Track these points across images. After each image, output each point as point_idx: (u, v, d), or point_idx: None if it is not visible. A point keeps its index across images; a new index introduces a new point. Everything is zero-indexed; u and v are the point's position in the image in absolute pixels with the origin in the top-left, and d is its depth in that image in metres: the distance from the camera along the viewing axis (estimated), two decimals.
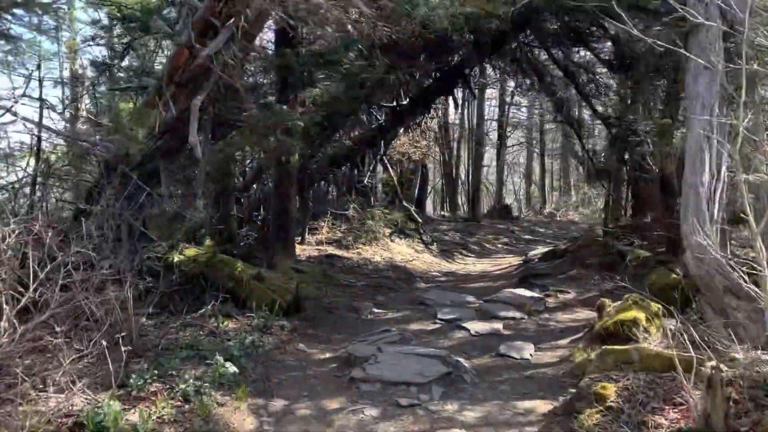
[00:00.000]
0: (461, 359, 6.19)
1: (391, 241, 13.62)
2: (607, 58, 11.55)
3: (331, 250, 11.92)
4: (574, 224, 27.37)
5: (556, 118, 15.52)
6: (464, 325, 7.73)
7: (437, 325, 7.97)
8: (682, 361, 4.10)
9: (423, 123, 15.09)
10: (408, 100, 13.27)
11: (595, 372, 4.89)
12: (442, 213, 24.53)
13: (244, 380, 5.28)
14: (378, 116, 13.59)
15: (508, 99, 27.19)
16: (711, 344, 4.78)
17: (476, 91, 18.91)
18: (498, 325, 7.78)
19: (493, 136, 27.76)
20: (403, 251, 13.40)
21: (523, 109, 30.53)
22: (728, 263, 5.89)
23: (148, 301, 6.23)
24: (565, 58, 12.33)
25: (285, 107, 7.95)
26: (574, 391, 4.96)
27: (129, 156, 7.29)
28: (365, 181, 14.16)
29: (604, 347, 5.27)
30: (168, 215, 7.79)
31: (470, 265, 14.02)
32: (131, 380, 4.61)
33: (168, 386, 4.75)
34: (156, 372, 4.87)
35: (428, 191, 22.48)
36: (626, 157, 12.23)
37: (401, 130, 14.27)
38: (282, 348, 6.71)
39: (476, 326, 7.66)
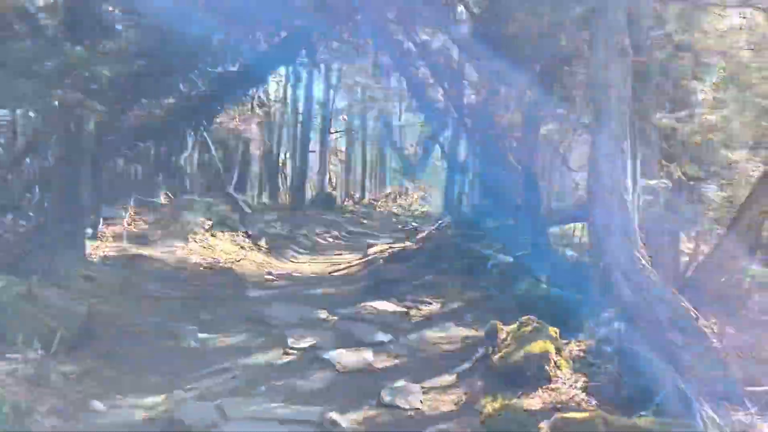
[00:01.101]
0: (339, 418, 4.45)
1: (212, 236, 11.29)
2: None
3: (135, 249, 9.31)
4: (395, 216, 27.04)
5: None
6: (325, 356, 5.97)
7: (290, 357, 6.11)
8: None
9: (257, 96, 12.86)
10: (239, 65, 11.03)
11: None
12: (262, 201, 22.30)
13: None
14: (201, 83, 11.12)
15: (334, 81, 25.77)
16: None
17: (319, 67, 16.99)
18: (367, 354, 6.14)
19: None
20: (227, 249, 11.17)
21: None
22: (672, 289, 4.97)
23: None
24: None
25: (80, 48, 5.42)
26: None
27: None
28: (180, 162, 11.56)
29: (558, 417, 3.87)
30: None
31: (306, 264, 12.24)
32: None
33: None
34: None
35: (248, 176, 20.09)
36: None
37: (229, 103, 11.91)
38: (62, 414, 4.36)
39: (341, 358, 5.94)
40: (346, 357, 5.98)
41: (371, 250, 13.06)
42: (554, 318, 5.93)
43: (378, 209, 28.62)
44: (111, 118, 9.56)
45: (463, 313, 7.96)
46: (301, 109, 23.98)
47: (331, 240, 16.18)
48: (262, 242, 12.53)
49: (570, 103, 8.33)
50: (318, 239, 15.71)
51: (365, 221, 22.41)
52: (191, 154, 11.87)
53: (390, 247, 12.97)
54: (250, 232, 12.72)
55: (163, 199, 10.68)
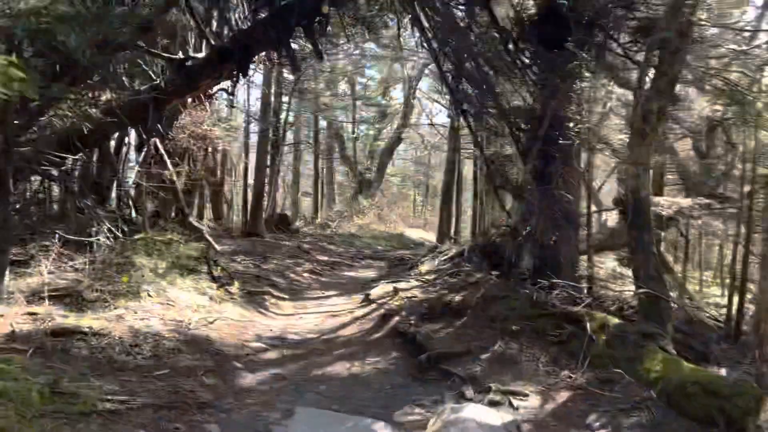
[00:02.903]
0: None
1: (169, 284, 8.15)
2: None
3: (61, 316, 6.10)
4: (357, 238, 24.19)
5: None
6: None
7: None
8: None
9: (235, 92, 9.77)
10: (209, 49, 8.04)
11: None
12: (211, 224, 18.94)
13: None
14: (154, 73, 8.02)
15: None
16: None
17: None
18: None
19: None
20: (192, 301, 8.03)
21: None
22: None
23: None
24: None
25: None
26: None
27: None
28: (127, 183, 8.35)
29: None
30: None
31: (294, 317, 9.24)
32: None
33: None
34: None
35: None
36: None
37: (189, 100, 8.83)
38: None
39: None
40: None
41: (374, 293, 10.25)
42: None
43: (334, 230, 25.69)
44: (22, 121, 6.45)
45: (580, 412, 5.35)
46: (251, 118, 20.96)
47: (307, 275, 13.20)
48: (234, 287, 9.45)
49: None
50: (292, 275, 12.70)
51: (330, 246, 19.46)
52: (142, 173, 8.63)
53: (395, 290, 10.20)
54: (215, 274, 9.62)
55: (104, 238, 7.42)
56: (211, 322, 7.54)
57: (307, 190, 35.12)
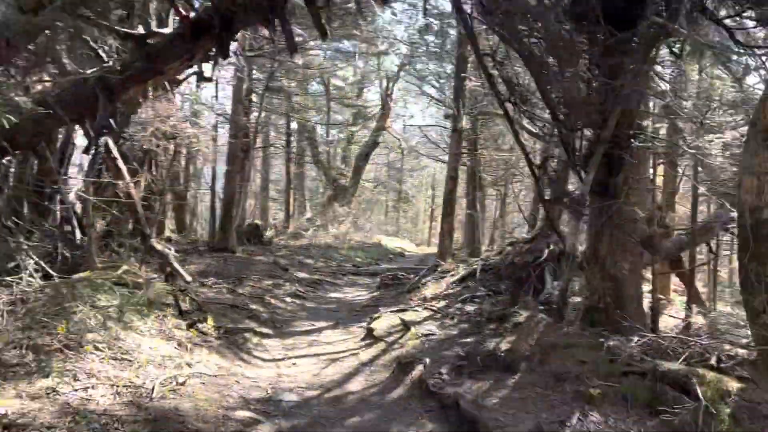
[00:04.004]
0: None
1: (125, 329, 6.23)
2: None
3: None
4: (334, 250, 22.31)
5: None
6: None
7: None
8: None
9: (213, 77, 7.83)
10: (179, 23, 6.16)
11: None
12: (174, 236, 16.84)
13: None
14: (106, 53, 6.10)
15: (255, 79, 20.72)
16: None
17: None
18: None
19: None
20: (155, 352, 6.12)
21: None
22: None
23: None
24: None
25: None
26: None
27: None
28: (69, 198, 6.37)
29: None
30: None
31: (285, 363, 7.36)
32: None
33: None
34: None
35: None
36: None
37: (150, 87, 6.89)
38: None
39: None
40: None
41: (378, 327, 8.50)
42: None
43: (308, 240, 23.76)
44: None
45: None
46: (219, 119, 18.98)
47: (290, 300, 11.32)
48: (208, 324, 7.55)
49: None
50: (274, 302, 10.80)
51: (308, 260, 17.59)
52: (88, 184, 6.63)
53: (404, 324, 8.47)
54: (184, 308, 7.71)
55: (29, 276, 5.44)
56: (182, 384, 5.65)
57: (273, 195, 33.05)
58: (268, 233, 22.95)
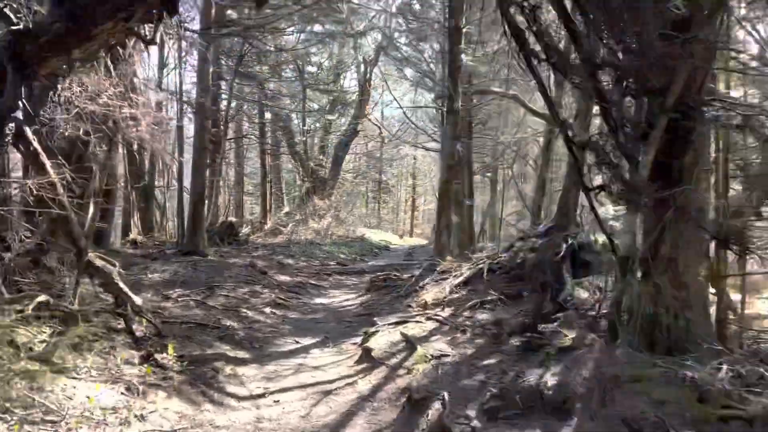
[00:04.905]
0: None
1: (55, 373, 4.75)
2: None
3: None
4: (317, 246, 20.84)
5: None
6: None
7: None
8: None
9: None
10: None
11: None
12: (135, 239, 15.20)
13: None
14: (14, 11, 4.58)
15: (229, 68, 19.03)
16: None
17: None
18: None
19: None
20: (93, 407, 4.63)
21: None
22: None
23: None
24: None
25: None
26: None
27: None
28: None
29: None
30: None
31: (265, 401, 5.87)
32: None
33: None
34: None
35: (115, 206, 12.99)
36: None
37: (78, 57, 5.34)
38: None
39: None
40: None
41: (376, 346, 7.11)
42: None
43: (288, 236, 22.26)
44: None
45: None
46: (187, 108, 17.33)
47: (268, 311, 9.84)
48: (169, 354, 6.09)
49: None
50: (250, 313, 9.33)
51: (289, 260, 16.09)
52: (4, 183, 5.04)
53: (408, 341, 7.10)
54: (138, 333, 6.24)
55: None
56: None
57: (248, 189, 31.40)
58: (244, 230, 21.39)
